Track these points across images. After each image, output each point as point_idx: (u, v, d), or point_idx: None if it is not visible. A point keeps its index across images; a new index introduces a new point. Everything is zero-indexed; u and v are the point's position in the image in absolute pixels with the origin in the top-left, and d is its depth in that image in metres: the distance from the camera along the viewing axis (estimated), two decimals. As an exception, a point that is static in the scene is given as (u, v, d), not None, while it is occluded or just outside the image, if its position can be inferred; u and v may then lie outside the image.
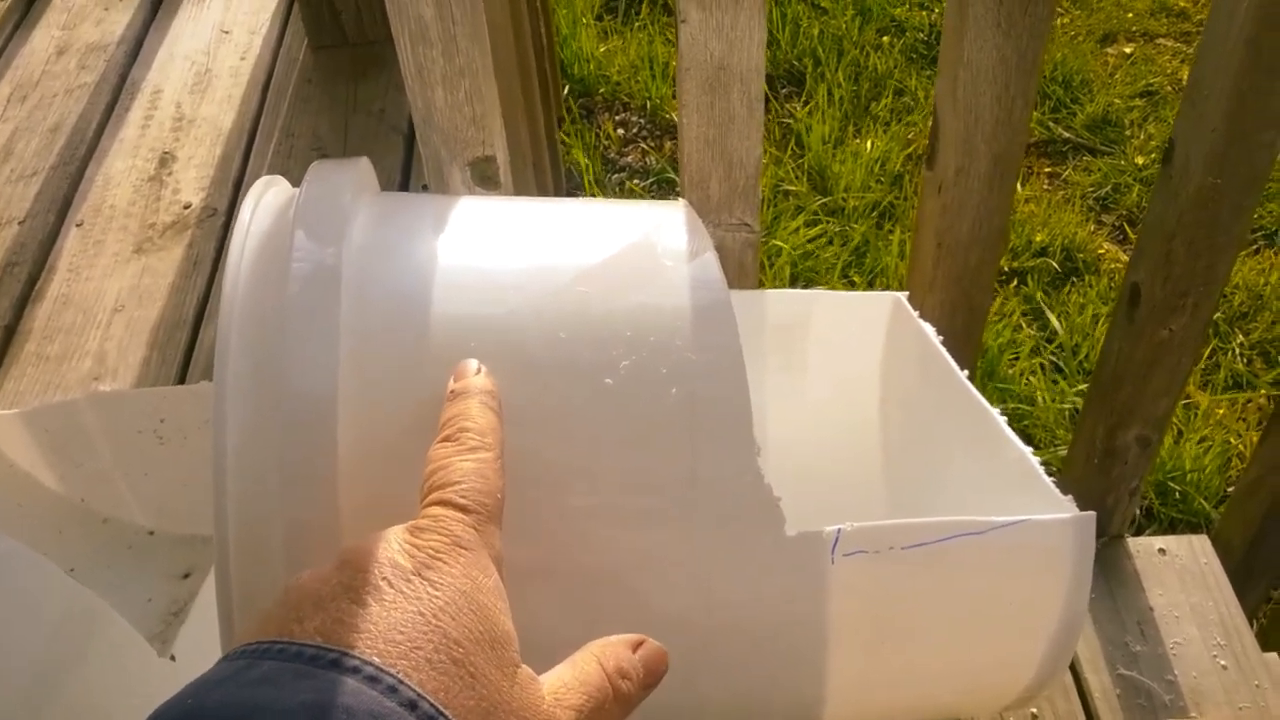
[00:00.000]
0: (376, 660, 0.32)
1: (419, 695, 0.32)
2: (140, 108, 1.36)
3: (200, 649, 0.60)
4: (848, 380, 0.73)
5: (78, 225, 1.19)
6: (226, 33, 1.47)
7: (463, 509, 0.37)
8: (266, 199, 0.50)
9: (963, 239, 0.76)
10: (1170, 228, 0.74)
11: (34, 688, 0.49)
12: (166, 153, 1.29)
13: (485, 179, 0.72)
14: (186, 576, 0.74)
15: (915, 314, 0.68)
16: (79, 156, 1.29)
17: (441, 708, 0.32)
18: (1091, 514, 0.49)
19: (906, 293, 0.70)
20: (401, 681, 0.32)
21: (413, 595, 0.34)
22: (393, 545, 0.36)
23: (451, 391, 0.42)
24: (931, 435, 0.68)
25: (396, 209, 0.52)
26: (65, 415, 0.75)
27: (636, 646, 0.39)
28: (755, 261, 0.78)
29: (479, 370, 0.43)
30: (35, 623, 0.51)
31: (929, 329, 0.66)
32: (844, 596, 0.46)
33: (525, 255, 0.49)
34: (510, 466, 0.41)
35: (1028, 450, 0.53)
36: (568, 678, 0.36)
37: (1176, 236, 0.74)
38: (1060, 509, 0.51)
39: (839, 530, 0.45)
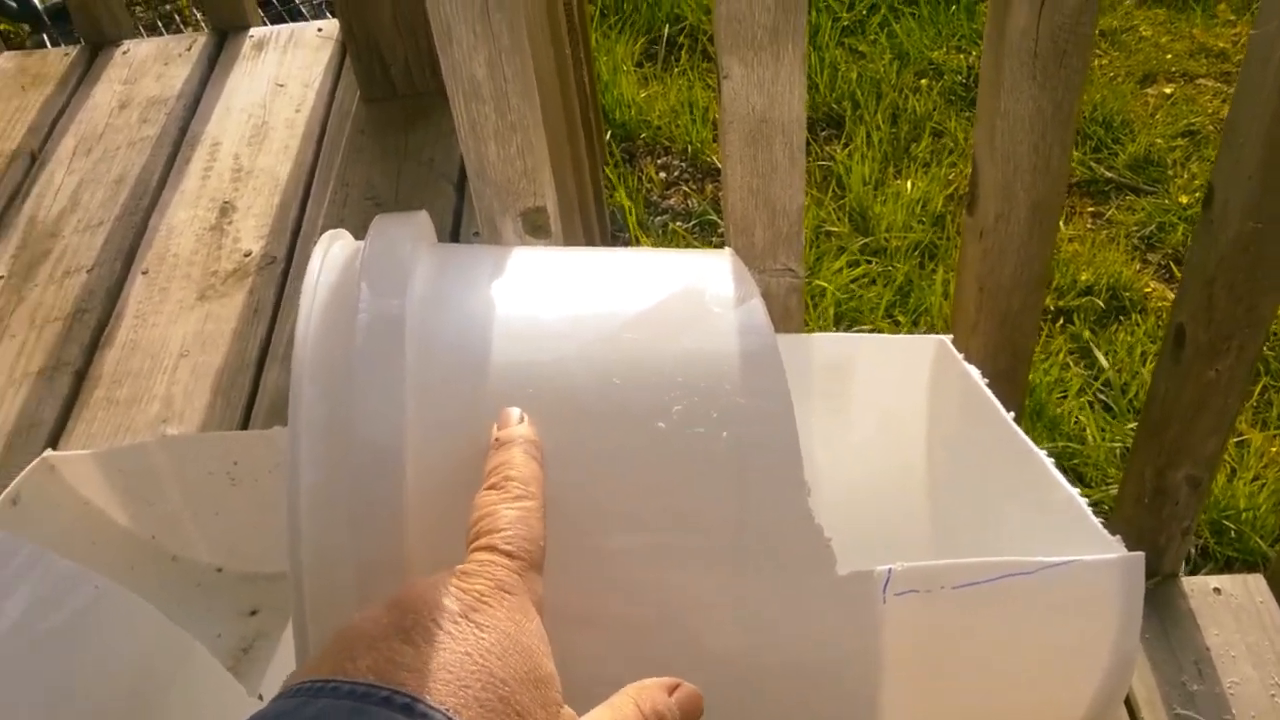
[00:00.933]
0: (427, 698, 0.33)
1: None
2: (200, 159, 1.41)
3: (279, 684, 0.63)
4: (893, 422, 0.74)
5: (143, 273, 1.23)
6: (281, 86, 1.52)
7: (508, 554, 0.39)
8: (333, 252, 0.53)
9: (1004, 283, 0.78)
10: (1210, 272, 0.74)
11: (129, 716, 0.51)
12: (226, 202, 1.33)
13: (536, 228, 0.74)
14: (254, 614, 0.76)
15: (960, 356, 0.69)
16: (143, 207, 1.34)
17: None
18: (1140, 554, 0.49)
19: (951, 335, 0.71)
20: (450, 718, 0.33)
21: (460, 636, 0.35)
22: (441, 589, 0.37)
23: (496, 440, 0.44)
24: (977, 476, 0.69)
25: (454, 261, 0.55)
26: (138, 457, 0.78)
27: (673, 689, 0.40)
28: (800, 305, 0.79)
29: (521, 419, 0.45)
30: (125, 658, 0.53)
31: (974, 371, 0.67)
32: (895, 635, 0.47)
33: (577, 303, 0.51)
34: (561, 509, 0.43)
35: (1075, 492, 0.54)
36: (627, 709, 0.38)
37: (1217, 280, 0.74)
38: (1109, 550, 0.52)
39: (890, 570, 0.46)
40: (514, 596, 0.38)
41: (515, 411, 0.45)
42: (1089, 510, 0.53)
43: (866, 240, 1.95)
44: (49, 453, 0.77)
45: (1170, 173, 2.05)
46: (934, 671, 0.49)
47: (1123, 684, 0.51)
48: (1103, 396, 1.66)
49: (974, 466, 0.68)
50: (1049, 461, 0.57)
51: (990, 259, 0.76)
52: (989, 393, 0.65)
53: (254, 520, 0.78)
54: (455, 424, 0.46)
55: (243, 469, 0.76)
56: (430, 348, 0.47)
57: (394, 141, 1.38)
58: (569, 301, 0.51)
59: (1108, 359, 1.70)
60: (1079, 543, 0.53)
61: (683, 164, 2.22)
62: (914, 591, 0.46)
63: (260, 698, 0.62)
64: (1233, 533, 1.44)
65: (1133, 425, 1.56)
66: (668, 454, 0.45)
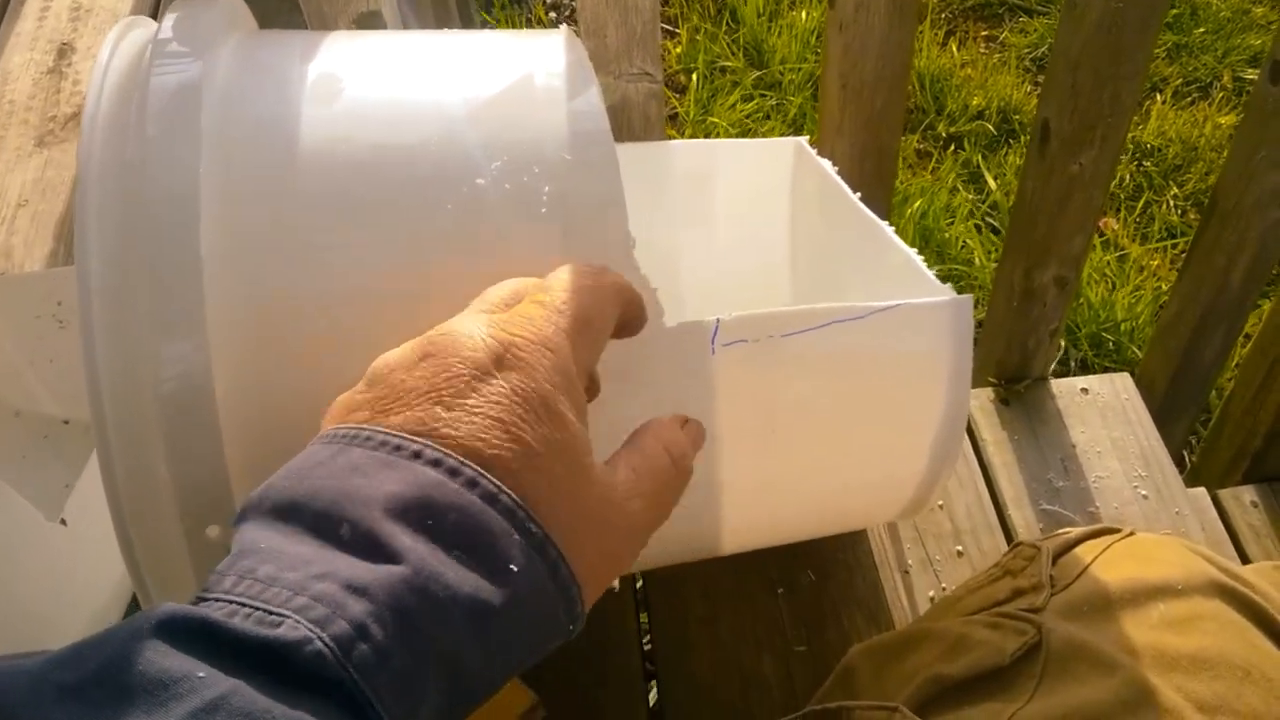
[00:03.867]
0: (457, 455, 0.33)
1: (498, 489, 0.33)
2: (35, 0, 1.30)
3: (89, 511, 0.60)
4: (754, 226, 0.73)
5: (-22, 123, 1.15)
6: (123, -82, 1.40)
7: (558, 311, 0.37)
8: (130, 36, 0.48)
9: (867, 79, 0.75)
10: (1075, 57, 0.73)
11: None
12: (65, 44, 1.24)
13: (375, 38, 0.69)
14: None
15: (815, 153, 0.67)
16: (-25, 53, 1.24)
17: (519, 500, 0.33)
18: (969, 296, 0.49)
19: (808, 137, 0.69)
20: (482, 474, 0.33)
21: (493, 397, 0.34)
22: (478, 340, 0.35)
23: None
24: (833, 265, 0.68)
25: (269, 39, 0.51)
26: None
27: (683, 423, 0.41)
28: (660, 112, 0.76)
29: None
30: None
31: (828, 165, 0.65)
32: (727, 387, 0.46)
33: (398, 82, 0.48)
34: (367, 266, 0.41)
35: (913, 253, 0.53)
36: (637, 464, 0.38)
37: (1081, 66, 0.73)
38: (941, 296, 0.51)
39: (717, 320, 0.44)
40: (554, 356, 0.36)
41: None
42: (925, 267, 0.52)
43: (760, 74, 1.90)
44: None
45: (1062, -8, 2.03)
46: (769, 424, 0.48)
47: (957, 432, 0.51)
48: (990, 220, 1.67)
49: (831, 257, 0.67)
50: (889, 230, 0.56)
51: (852, 54, 0.74)
52: (845, 186, 0.64)
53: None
54: (265, 179, 0.42)
55: (68, 309, 0.72)
56: (233, 115, 0.43)
57: (245, -28, 1.29)
58: (389, 80, 0.48)
59: (997, 182, 1.70)
60: (914, 294, 0.52)
61: (573, 3, 2.13)
62: (743, 341, 0.45)
63: (63, 521, 0.59)
64: (1111, 344, 1.48)
65: (1020, 246, 1.57)
66: (486, 207, 0.43)
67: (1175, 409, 1.04)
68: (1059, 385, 0.96)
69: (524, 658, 0.34)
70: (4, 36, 1.24)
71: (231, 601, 0.30)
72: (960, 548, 0.86)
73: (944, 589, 0.78)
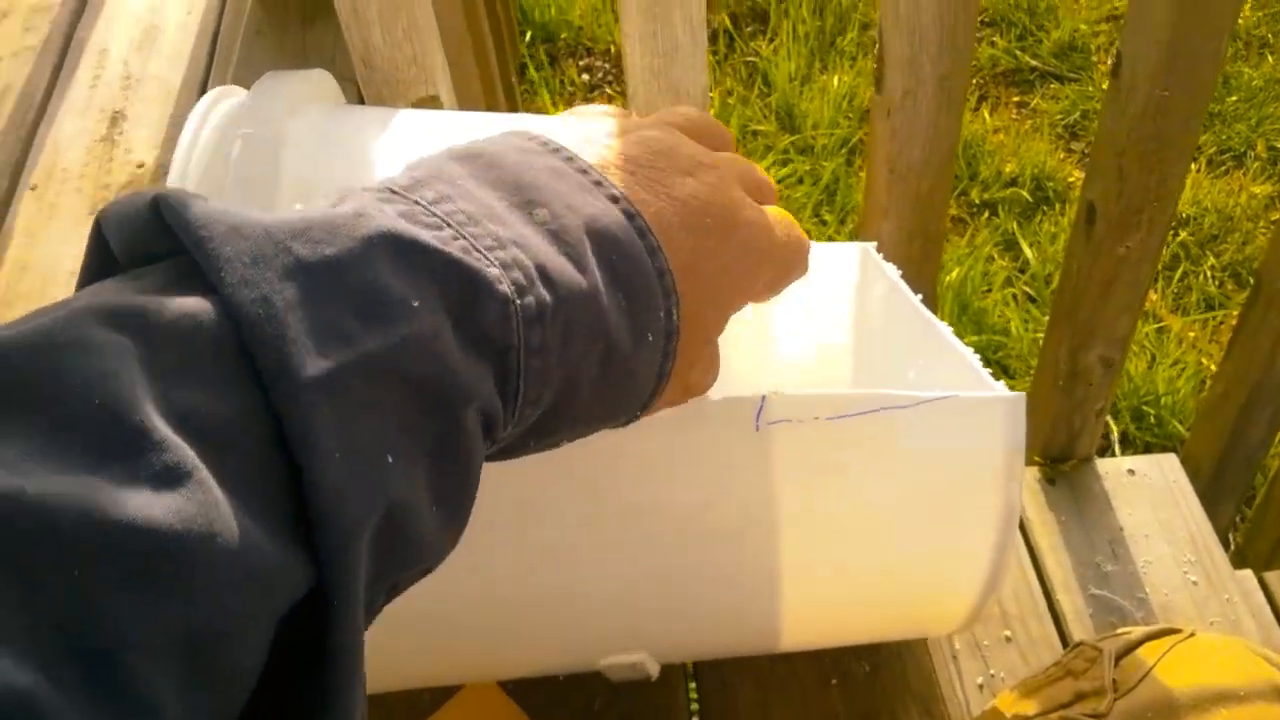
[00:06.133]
0: (645, 218, 0.34)
1: (668, 269, 0.33)
2: (88, 68, 1.34)
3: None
4: (816, 319, 0.73)
5: (31, 189, 1.17)
6: (173, -12, 1.43)
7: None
8: (220, 106, 0.50)
9: (914, 164, 0.76)
10: (1121, 143, 0.73)
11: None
12: (117, 112, 1.27)
13: (430, 121, 0.70)
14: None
15: (881, 257, 0.67)
16: (29, 120, 1.27)
17: (678, 292, 0.34)
18: (1021, 395, 0.48)
19: (875, 242, 0.69)
20: (660, 249, 0.33)
21: (689, 191, 0.36)
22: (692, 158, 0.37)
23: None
24: (892, 365, 0.67)
25: (346, 114, 0.53)
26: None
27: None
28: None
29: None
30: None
31: (893, 270, 0.65)
32: (771, 469, 0.45)
33: None
34: None
35: (969, 351, 0.52)
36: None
37: (1127, 152, 0.73)
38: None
39: (763, 397, 0.44)
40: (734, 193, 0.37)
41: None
42: (979, 364, 0.51)
43: (793, 138, 1.92)
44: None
45: (1094, 59, 2.04)
46: (811, 510, 0.48)
47: (1008, 535, 0.49)
48: (1027, 289, 1.66)
49: (890, 354, 0.67)
50: (948, 330, 0.55)
51: (899, 138, 0.74)
52: (906, 288, 0.64)
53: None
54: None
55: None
56: (307, 189, 0.45)
57: (292, 41, 1.31)
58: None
59: (1032, 250, 1.70)
60: (967, 389, 0.51)
61: (606, 65, 2.16)
62: (787, 421, 0.44)
63: None
64: (1152, 418, 1.46)
65: (1057, 315, 1.57)
66: None
67: (1222, 490, 1.02)
68: (1105, 466, 0.95)
69: (600, 416, 0.35)
70: (55, 105, 1.27)
71: (437, 216, 0.29)
72: (1009, 633, 0.84)
73: (992, 675, 0.77)
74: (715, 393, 0.44)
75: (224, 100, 0.51)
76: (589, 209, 0.32)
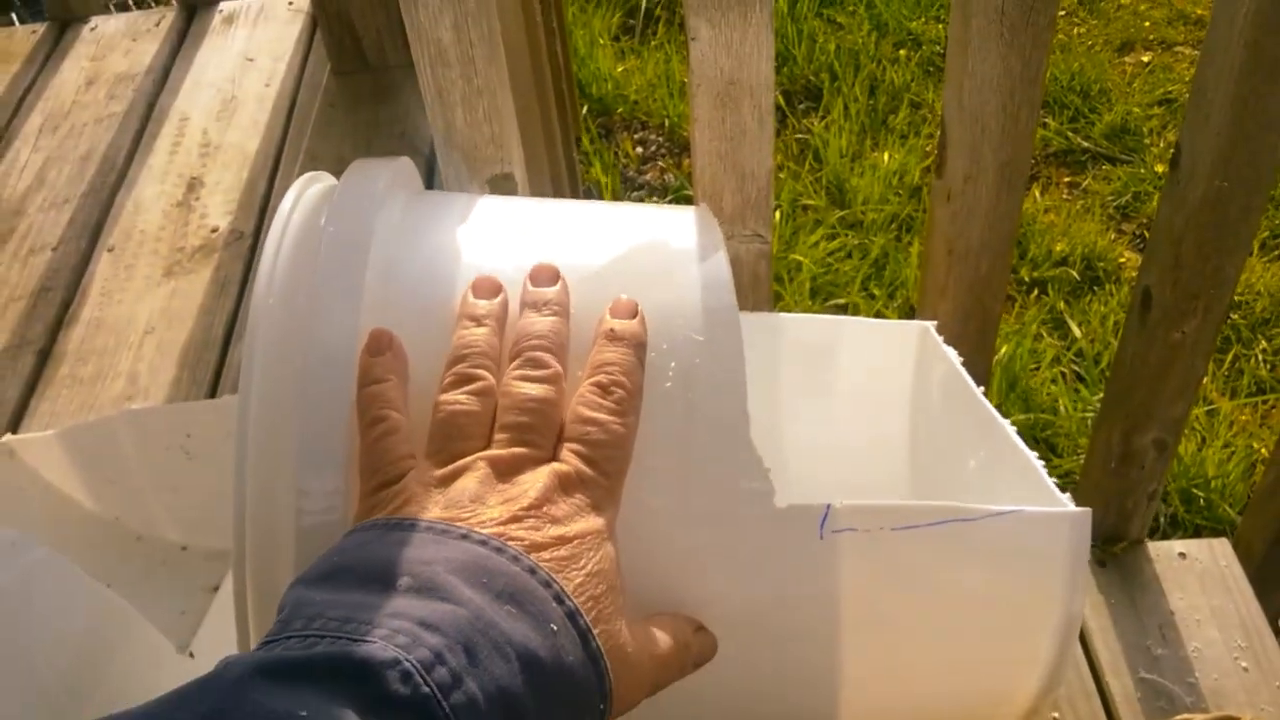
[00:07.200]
0: (499, 535, 0.37)
1: (535, 565, 0.36)
2: (168, 135, 1.39)
3: (218, 649, 0.62)
4: (872, 401, 0.73)
5: (109, 250, 1.22)
6: (251, 60, 1.50)
7: (605, 474, 0.41)
8: (310, 191, 0.53)
9: (973, 246, 0.77)
10: (1178, 231, 0.74)
11: (63, 694, 0.50)
12: (194, 178, 1.32)
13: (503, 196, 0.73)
14: (216, 589, 0.75)
15: (941, 340, 0.68)
16: (109, 183, 1.32)
17: (552, 577, 0.36)
18: (1087, 510, 0.49)
19: (935, 322, 0.70)
20: (521, 552, 0.36)
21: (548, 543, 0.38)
22: (546, 494, 0.39)
23: (610, 330, 0.43)
24: (952, 460, 0.68)
25: (428, 201, 0.55)
26: (98, 435, 0.77)
27: (697, 629, 0.43)
28: (768, 271, 0.79)
29: (636, 312, 0.44)
30: (67, 628, 0.53)
31: (953, 354, 0.66)
32: (833, 576, 0.46)
33: (543, 248, 0.51)
34: None
35: (1033, 455, 0.54)
36: (667, 628, 0.42)
37: (1185, 240, 0.74)
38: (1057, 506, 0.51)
39: (828, 507, 0.45)
40: (600, 518, 0.39)
41: (631, 302, 0.45)
42: (1044, 472, 0.52)
43: (843, 213, 1.94)
44: (8, 437, 0.76)
45: (1147, 141, 2.06)
46: (877, 617, 0.48)
47: (1068, 645, 0.50)
48: (1075, 367, 1.66)
49: (949, 447, 0.68)
50: (1011, 429, 0.56)
51: (959, 221, 0.76)
52: (968, 376, 0.65)
53: (213, 495, 0.77)
54: (419, 342, 0.46)
55: (196, 441, 0.75)
56: (393, 274, 0.47)
57: (365, 115, 1.37)
58: (536, 245, 0.51)
59: (1081, 329, 1.70)
60: (1031, 501, 0.52)
61: (660, 138, 2.21)
62: (852, 530, 0.45)
63: (191, 654, 0.62)
64: (1202, 501, 1.45)
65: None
66: None
67: (1273, 575, 1.01)
68: (1156, 549, 0.95)
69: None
70: (136, 169, 1.33)
71: (309, 635, 0.32)
72: (1056, 715, 0.84)
73: (1042, 758, 0.77)
74: (780, 484, 0.45)
75: (313, 185, 0.53)
76: (443, 553, 0.35)
